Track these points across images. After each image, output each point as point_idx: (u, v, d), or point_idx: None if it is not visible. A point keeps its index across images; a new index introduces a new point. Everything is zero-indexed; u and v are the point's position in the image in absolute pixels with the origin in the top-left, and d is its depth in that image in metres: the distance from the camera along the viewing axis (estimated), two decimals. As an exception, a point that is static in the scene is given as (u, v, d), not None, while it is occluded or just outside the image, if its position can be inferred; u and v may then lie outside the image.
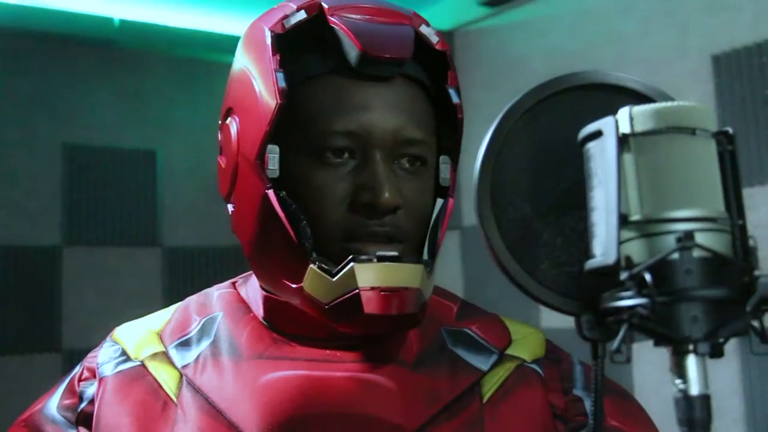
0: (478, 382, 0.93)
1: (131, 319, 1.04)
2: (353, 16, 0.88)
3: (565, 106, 0.80)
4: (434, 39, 0.93)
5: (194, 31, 3.89)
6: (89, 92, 3.77)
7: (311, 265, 0.86)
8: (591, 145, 0.71)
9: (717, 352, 0.66)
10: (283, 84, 0.86)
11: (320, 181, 0.88)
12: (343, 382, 0.89)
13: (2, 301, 3.43)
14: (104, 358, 0.97)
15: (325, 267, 0.86)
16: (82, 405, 0.95)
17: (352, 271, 0.84)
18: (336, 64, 0.88)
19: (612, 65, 3.23)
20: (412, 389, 0.90)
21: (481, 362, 0.95)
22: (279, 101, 0.86)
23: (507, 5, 3.76)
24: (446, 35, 4.01)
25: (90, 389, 0.95)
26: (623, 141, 0.68)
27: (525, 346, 0.98)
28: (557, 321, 3.84)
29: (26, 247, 3.55)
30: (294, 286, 0.88)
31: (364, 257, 0.85)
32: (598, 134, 0.70)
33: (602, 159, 0.69)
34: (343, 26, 0.87)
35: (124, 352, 0.96)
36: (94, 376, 0.96)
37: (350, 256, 0.85)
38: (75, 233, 3.65)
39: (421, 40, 0.92)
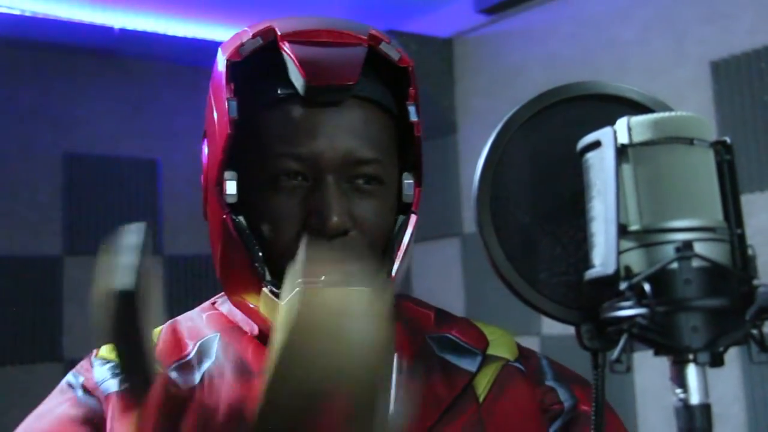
0: (471, 383, 0.97)
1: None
2: (304, 40, 0.90)
3: (564, 117, 0.80)
4: (395, 56, 0.94)
5: (194, 40, 3.90)
6: (89, 102, 3.78)
7: (263, 288, 0.89)
8: (590, 156, 0.71)
9: (717, 362, 0.66)
10: (234, 114, 0.89)
11: (274, 205, 0.90)
12: None
13: (3, 311, 3.43)
14: (101, 376, 0.96)
15: (275, 290, 0.88)
16: (94, 411, 0.94)
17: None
18: (288, 91, 0.90)
19: (611, 72, 3.23)
20: (414, 394, 0.92)
21: (469, 364, 0.99)
22: (228, 131, 0.89)
23: (505, 13, 3.77)
24: (445, 43, 4.02)
25: (92, 401, 0.94)
26: (622, 151, 0.68)
27: (503, 346, 1.02)
28: (559, 328, 3.83)
29: (27, 258, 3.55)
30: (252, 306, 0.92)
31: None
32: (596, 145, 0.70)
33: (601, 169, 0.69)
34: (290, 54, 0.89)
35: None
36: (94, 394, 0.95)
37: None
38: (76, 243, 3.65)
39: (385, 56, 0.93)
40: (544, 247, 0.79)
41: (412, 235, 0.96)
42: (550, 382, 1.00)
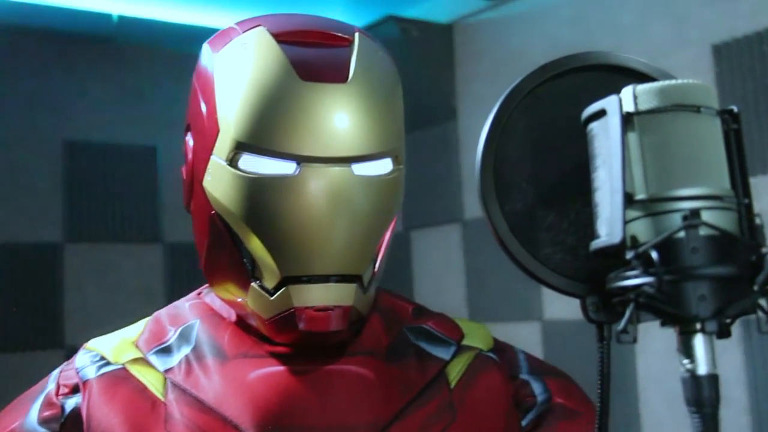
0: (443, 370, 0.98)
1: (133, 315, 1.05)
2: (292, 40, 0.90)
3: (567, 88, 0.79)
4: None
5: (193, 27, 3.89)
6: (89, 89, 3.77)
7: (252, 283, 0.90)
8: (594, 125, 0.71)
9: (724, 332, 0.66)
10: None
11: None
12: (326, 373, 0.93)
13: (4, 298, 3.43)
14: (82, 363, 0.97)
15: (265, 286, 0.90)
16: (66, 414, 0.95)
17: (288, 291, 0.88)
18: None
19: (612, 56, 3.20)
20: (387, 378, 0.95)
21: (443, 353, 1.00)
22: (219, 129, 0.89)
23: (506, -3, 3.75)
24: (445, 28, 4.01)
25: (70, 401, 0.95)
26: (627, 120, 0.67)
27: (478, 338, 1.03)
28: (560, 313, 3.80)
29: (28, 245, 3.55)
30: (239, 300, 0.93)
31: (304, 276, 0.88)
32: (601, 113, 0.69)
33: (606, 138, 0.68)
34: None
35: (102, 357, 0.97)
36: (72, 392, 0.96)
37: (285, 277, 0.88)
38: (76, 230, 3.65)
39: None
40: (550, 220, 0.78)
41: (392, 231, 0.97)
42: (524, 376, 1.02)
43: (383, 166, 0.92)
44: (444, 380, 0.97)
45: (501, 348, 1.04)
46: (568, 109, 0.77)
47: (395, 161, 0.93)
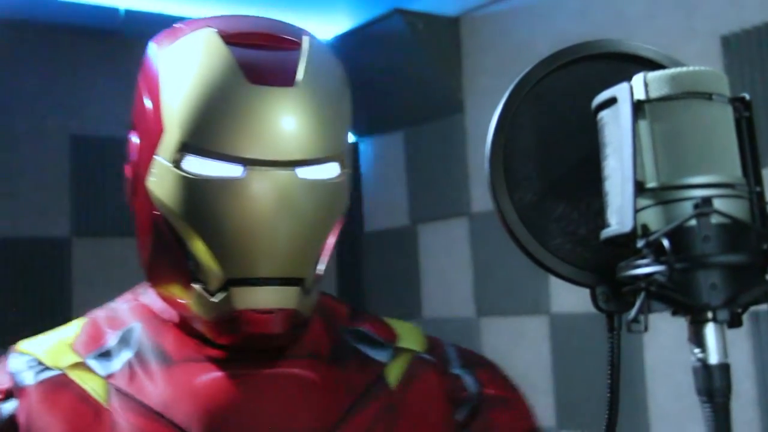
0: (383, 373, 0.99)
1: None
2: (241, 42, 0.90)
3: (577, 77, 0.79)
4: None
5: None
6: (96, 83, 3.77)
7: (195, 286, 0.89)
8: (605, 113, 0.70)
9: (735, 321, 0.65)
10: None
11: None
12: (271, 377, 0.93)
13: (13, 293, 3.44)
14: (17, 368, 0.94)
15: (207, 289, 0.89)
16: (2, 420, 0.92)
17: (230, 294, 0.87)
18: None
19: (620, 48, 3.19)
20: (331, 381, 0.95)
21: (381, 355, 1.01)
22: (163, 130, 0.89)
23: (513, -10, 3.74)
24: (452, 21, 4.00)
25: (6, 406, 0.92)
26: (638, 107, 0.67)
27: (411, 339, 1.04)
28: (567, 306, 3.78)
29: (36, 239, 3.56)
30: (181, 301, 0.92)
31: (247, 278, 0.88)
32: (612, 101, 0.69)
33: (617, 126, 0.68)
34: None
35: (40, 362, 0.94)
36: (6, 397, 0.93)
37: (228, 279, 0.87)
38: (84, 224, 3.65)
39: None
40: (559, 210, 0.78)
41: (337, 234, 0.97)
42: (456, 370, 1.02)
43: (329, 170, 0.92)
44: (384, 383, 0.98)
45: (432, 346, 1.05)
46: (577, 98, 0.76)
47: (341, 165, 0.93)
